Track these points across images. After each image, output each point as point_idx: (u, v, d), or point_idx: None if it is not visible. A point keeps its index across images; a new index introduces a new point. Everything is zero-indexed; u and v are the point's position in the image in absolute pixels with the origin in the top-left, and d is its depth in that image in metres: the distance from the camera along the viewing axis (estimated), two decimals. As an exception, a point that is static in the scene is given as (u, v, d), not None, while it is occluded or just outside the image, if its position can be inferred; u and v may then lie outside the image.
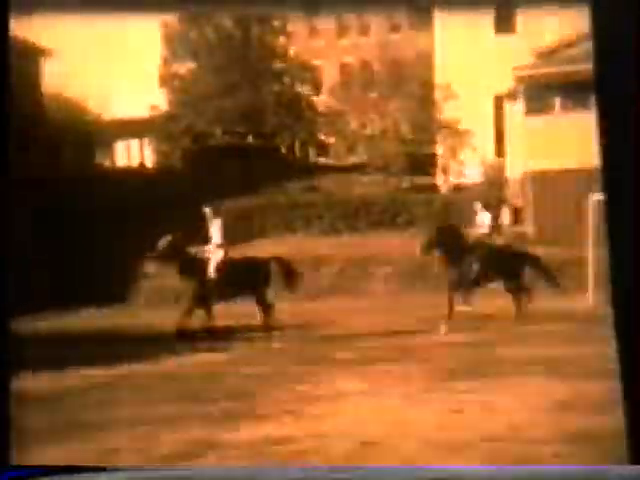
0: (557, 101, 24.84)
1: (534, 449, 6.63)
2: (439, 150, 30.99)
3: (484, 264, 14.41)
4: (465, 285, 14.56)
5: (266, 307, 13.58)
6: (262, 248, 22.33)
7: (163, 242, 13.50)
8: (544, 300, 15.24)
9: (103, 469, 2.81)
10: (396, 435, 7.28)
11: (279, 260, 14.30)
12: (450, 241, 14.41)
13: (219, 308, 13.78)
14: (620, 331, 2.74)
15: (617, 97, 2.66)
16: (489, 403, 8.34)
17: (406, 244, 23.13)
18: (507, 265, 14.74)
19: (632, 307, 2.70)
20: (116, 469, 2.89)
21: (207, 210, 13.91)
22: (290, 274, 14.04)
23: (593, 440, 6.59)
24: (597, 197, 16.73)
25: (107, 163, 37.38)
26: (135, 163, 37.33)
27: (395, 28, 39.15)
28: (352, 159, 33.96)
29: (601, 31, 2.68)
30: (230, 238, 14.23)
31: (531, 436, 7.09)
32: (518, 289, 14.82)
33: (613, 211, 2.63)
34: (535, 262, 15.20)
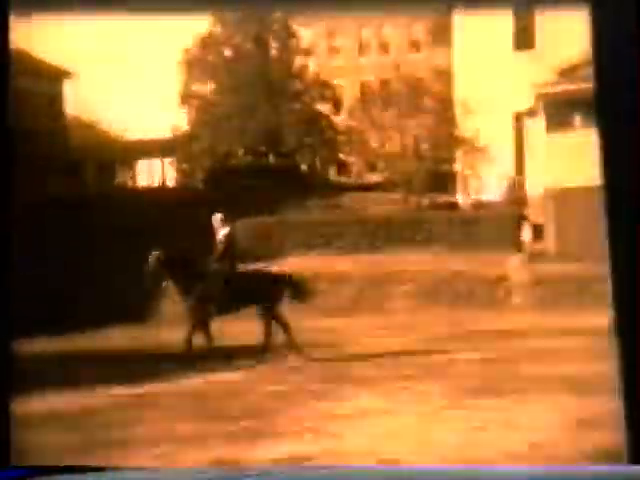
0: (577, 118, 24.78)
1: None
2: (459, 167, 30.99)
3: (226, 290, 12.91)
4: (203, 316, 12.98)
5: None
6: (282, 266, 22.38)
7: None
8: (565, 316, 15.16)
9: (103, 469, 2.82)
10: (416, 453, 7.26)
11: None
12: (181, 267, 13.00)
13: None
14: (623, 348, 2.74)
15: (618, 113, 2.68)
16: (509, 421, 8.30)
17: (425, 262, 23.14)
18: (257, 290, 13.14)
19: (635, 325, 2.71)
20: (117, 469, 2.91)
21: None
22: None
23: (615, 458, 6.55)
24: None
25: (129, 183, 37.68)
26: (157, 183, 37.60)
27: (414, 46, 39.27)
28: (372, 177, 34.04)
29: (601, 49, 2.70)
30: (251, 256, 14.07)
31: (551, 454, 7.05)
32: (270, 316, 13.21)
33: (615, 228, 2.65)
34: (289, 282, 13.71)
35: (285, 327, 13.17)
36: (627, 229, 2.84)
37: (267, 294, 13.22)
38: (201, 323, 13.01)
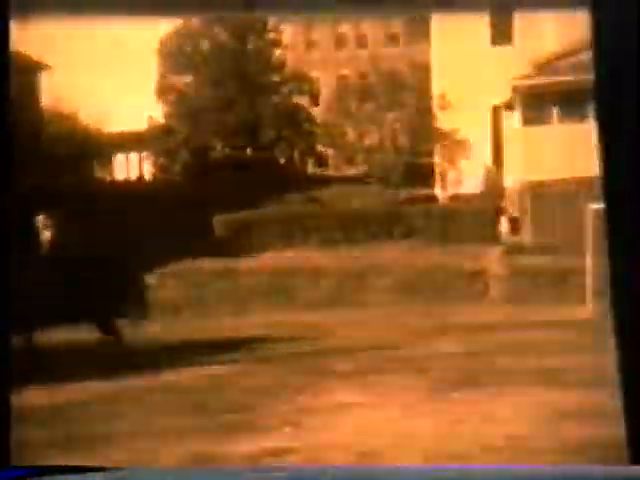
0: (555, 111, 24.90)
1: (533, 460, 6.65)
2: (437, 161, 31.06)
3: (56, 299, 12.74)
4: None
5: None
6: (260, 261, 22.38)
7: None
8: (543, 309, 15.25)
9: (103, 469, 2.85)
10: (395, 446, 7.28)
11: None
12: None
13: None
14: (621, 340, 2.77)
15: (617, 105, 2.71)
16: (487, 413, 8.34)
17: (404, 255, 23.20)
18: (90, 302, 13.17)
19: (632, 317, 2.74)
20: (116, 469, 2.94)
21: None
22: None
23: (592, 450, 6.60)
24: (595, 207, 16.77)
25: (106, 177, 37.42)
26: (134, 177, 37.37)
27: (392, 39, 39.25)
28: (350, 170, 34.01)
29: (601, 39, 2.72)
30: (230, 251, 14.06)
31: (530, 446, 7.10)
32: (106, 325, 13.13)
33: (613, 221, 2.68)
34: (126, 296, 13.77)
35: (117, 339, 12.89)
36: (626, 222, 2.87)
37: (101, 306, 13.04)
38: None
